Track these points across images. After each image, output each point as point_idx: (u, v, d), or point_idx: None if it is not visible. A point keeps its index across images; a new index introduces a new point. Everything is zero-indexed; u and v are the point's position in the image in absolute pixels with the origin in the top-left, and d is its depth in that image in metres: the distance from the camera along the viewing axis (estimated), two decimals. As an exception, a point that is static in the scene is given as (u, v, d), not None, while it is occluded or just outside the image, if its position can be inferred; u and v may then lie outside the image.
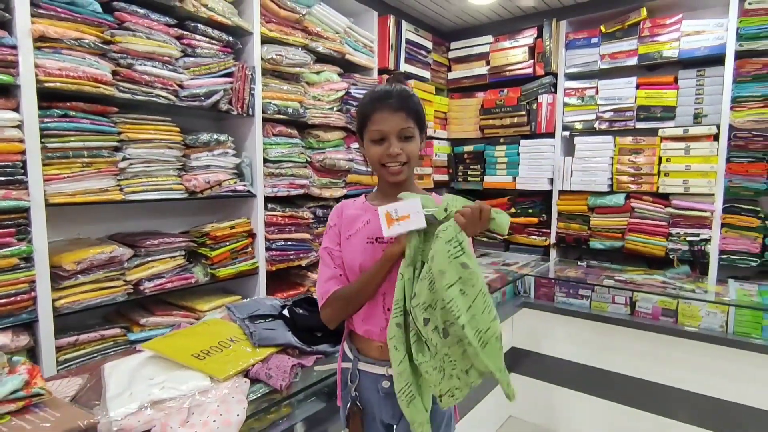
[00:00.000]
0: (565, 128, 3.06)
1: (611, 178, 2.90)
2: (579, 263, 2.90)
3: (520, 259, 3.04)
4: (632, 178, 2.81)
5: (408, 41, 3.00)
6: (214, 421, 0.91)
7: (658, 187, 2.73)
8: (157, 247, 1.87)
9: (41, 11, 1.50)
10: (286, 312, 1.37)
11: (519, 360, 2.48)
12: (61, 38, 1.53)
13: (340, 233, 1.13)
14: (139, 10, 1.74)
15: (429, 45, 3.20)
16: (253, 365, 1.12)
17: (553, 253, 3.14)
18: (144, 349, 1.17)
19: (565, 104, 3.05)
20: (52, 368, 1.57)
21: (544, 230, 3.19)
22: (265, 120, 2.23)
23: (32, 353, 1.57)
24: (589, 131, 2.98)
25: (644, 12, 2.72)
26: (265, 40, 2.20)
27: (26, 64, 1.46)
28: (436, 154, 3.38)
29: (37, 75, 1.48)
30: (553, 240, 3.13)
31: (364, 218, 1.12)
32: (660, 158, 2.71)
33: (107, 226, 1.97)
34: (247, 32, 2.12)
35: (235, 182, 2.13)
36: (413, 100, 1.08)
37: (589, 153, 2.96)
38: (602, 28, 2.86)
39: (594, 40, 2.90)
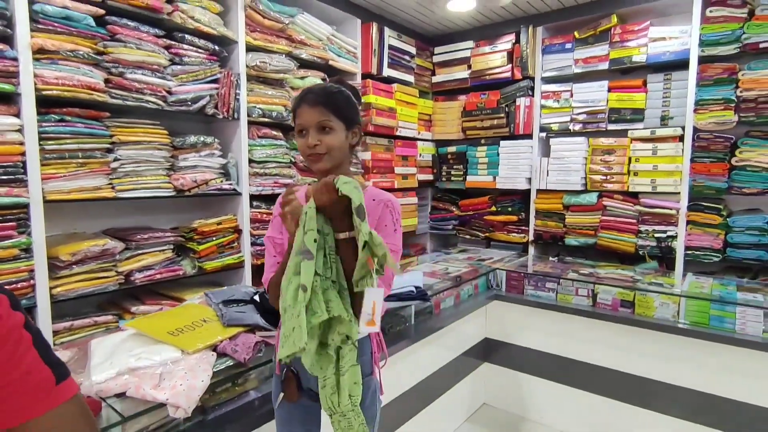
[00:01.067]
0: (542, 129, 3.19)
1: (585, 178, 3.02)
2: (551, 258, 3.03)
3: (498, 255, 3.18)
4: (604, 178, 2.94)
5: (391, 47, 3.14)
6: (181, 385, 1.05)
7: (628, 186, 2.85)
8: (147, 240, 2.02)
9: (40, 26, 1.66)
10: (257, 297, 1.51)
11: (491, 350, 2.62)
12: (58, 50, 1.69)
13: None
14: (129, 23, 1.90)
15: (413, 50, 3.34)
16: (222, 341, 1.26)
17: (531, 249, 3.27)
18: (127, 328, 1.32)
19: (542, 107, 3.18)
20: (50, 350, 1.73)
21: (523, 228, 3.32)
22: (250, 123, 2.38)
23: (31, 336, 1.73)
24: (565, 132, 3.11)
25: (615, 19, 2.85)
26: (250, 48, 2.35)
27: (26, 74, 1.62)
28: (420, 155, 3.52)
29: (36, 84, 1.65)
30: (531, 237, 3.26)
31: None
32: (630, 158, 2.84)
33: (102, 221, 2.13)
34: (233, 41, 2.27)
35: (222, 181, 2.28)
36: (335, 96, 1.13)
37: (564, 153, 3.09)
38: (576, 34, 2.99)
39: (568, 46, 3.03)
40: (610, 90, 2.91)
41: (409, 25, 3.37)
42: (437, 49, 3.55)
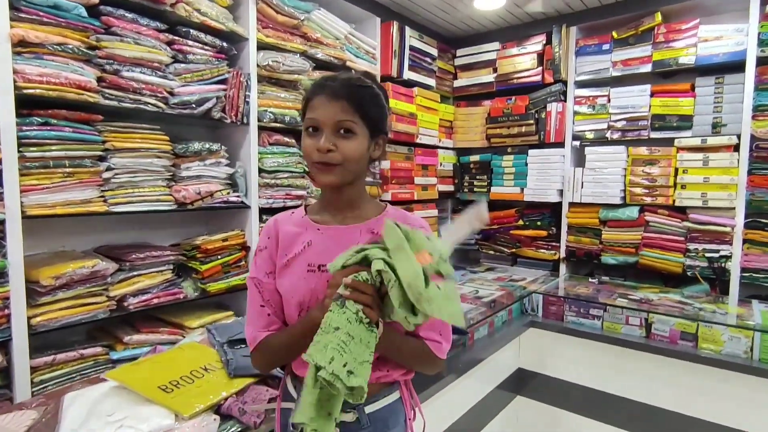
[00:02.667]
0: (575, 138, 2.94)
1: (624, 190, 2.76)
2: (590, 279, 2.76)
3: (527, 274, 2.91)
4: (646, 191, 2.67)
5: (412, 48, 2.91)
6: (174, 467, 0.80)
7: (674, 200, 2.58)
8: (143, 260, 1.78)
9: (22, 15, 1.44)
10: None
11: (525, 382, 2.35)
12: (43, 43, 1.47)
13: (275, 257, 0.94)
14: (127, 14, 1.67)
15: (434, 52, 3.11)
16: (226, 399, 1.01)
17: (563, 267, 3.01)
18: (108, 379, 1.07)
19: (576, 113, 2.93)
20: (27, 390, 1.49)
21: (554, 244, 3.05)
22: (260, 128, 2.15)
23: (6, 374, 1.49)
24: (601, 141, 2.86)
25: (659, 17, 2.60)
26: (262, 46, 2.12)
27: (4, 70, 1.39)
28: (441, 164, 3.28)
29: (15, 81, 1.42)
30: (563, 254, 3.00)
31: (305, 238, 0.93)
32: (676, 170, 2.58)
33: (94, 238, 1.90)
34: (243, 38, 2.05)
35: (228, 193, 2.04)
36: (364, 91, 0.89)
37: (600, 164, 2.83)
38: (614, 34, 2.75)
39: (605, 47, 2.79)
40: (652, 95, 2.66)
41: (430, 25, 3.14)
42: (460, 51, 3.32)
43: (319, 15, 2.34)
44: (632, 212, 2.71)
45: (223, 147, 2.04)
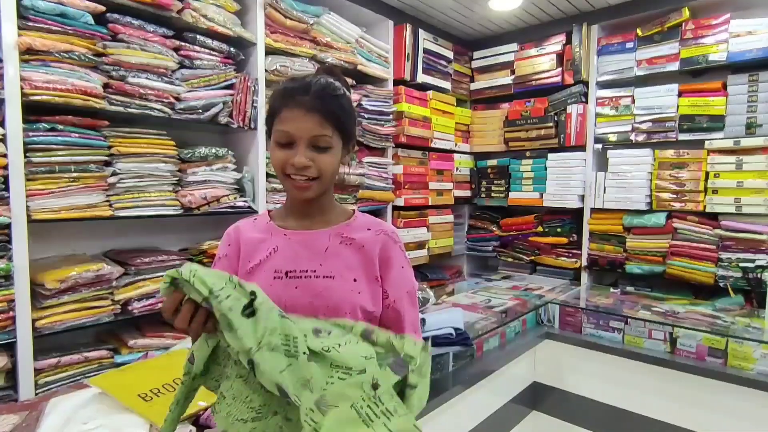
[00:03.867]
0: (597, 140, 2.82)
1: (650, 196, 2.61)
2: (613, 289, 2.62)
3: (546, 283, 2.80)
4: (674, 196, 2.52)
5: (426, 51, 2.86)
6: (140, 481, 0.78)
7: (705, 206, 2.42)
8: (149, 265, 1.79)
9: (29, 23, 1.47)
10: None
11: (541, 396, 2.23)
12: (50, 50, 1.50)
13: (236, 266, 0.90)
14: (133, 21, 1.69)
15: (450, 54, 3.05)
16: (205, 409, 0.98)
17: (584, 276, 2.87)
18: (92, 385, 1.06)
19: (598, 114, 2.80)
20: (30, 392, 1.51)
21: (575, 251, 2.92)
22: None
23: (11, 375, 1.51)
24: (625, 144, 2.72)
25: (686, 12, 2.46)
26: (270, 51, 2.12)
27: (11, 77, 1.43)
28: (457, 169, 3.20)
29: (22, 88, 1.45)
30: (584, 262, 2.86)
31: (270, 244, 0.89)
32: (707, 173, 2.42)
33: (103, 242, 1.92)
34: (251, 43, 2.05)
35: (235, 198, 2.04)
36: (337, 102, 0.86)
37: (624, 167, 2.69)
38: (638, 31, 2.62)
39: (629, 45, 2.66)
40: (680, 94, 2.52)
41: (446, 28, 3.09)
42: (477, 53, 3.24)
43: (329, 19, 2.33)
44: (659, 219, 2.56)
45: (230, 152, 2.04)
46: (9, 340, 1.46)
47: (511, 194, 3.13)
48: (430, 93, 2.91)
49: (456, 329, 1.59)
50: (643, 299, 2.33)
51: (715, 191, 2.39)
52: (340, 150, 0.89)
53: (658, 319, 1.98)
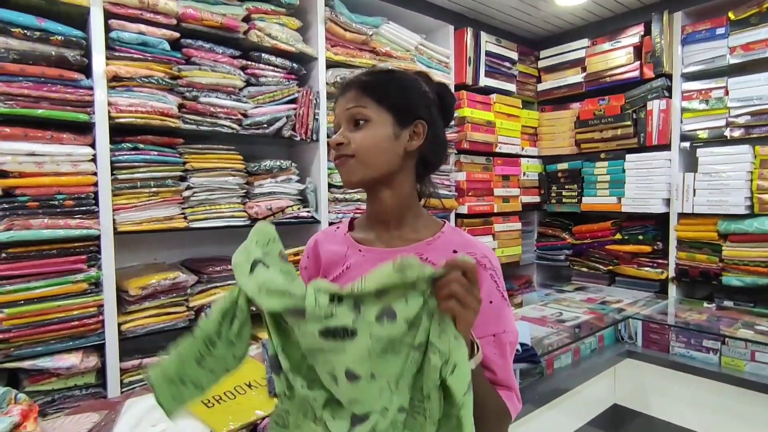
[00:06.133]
0: (684, 138, 2.55)
1: (750, 198, 2.31)
2: (707, 304, 2.34)
3: (627, 295, 2.56)
4: (781, 198, 2.21)
5: (488, 53, 2.78)
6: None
7: (821, 209, 2.10)
8: (219, 273, 1.88)
9: (116, 53, 1.62)
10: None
11: (623, 420, 2.04)
12: (133, 76, 1.64)
13: (316, 278, 0.85)
14: (204, 44, 1.81)
15: (514, 56, 2.93)
16: (263, 419, 1.00)
17: (672, 289, 2.60)
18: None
19: (684, 110, 2.54)
20: (117, 390, 1.64)
21: (660, 261, 2.65)
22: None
23: (101, 374, 1.65)
24: (718, 140, 2.44)
25: (791, -11, 2.17)
26: (331, 64, 2.16)
27: (100, 103, 1.58)
28: (525, 174, 3.06)
29: (110, 112, 1.60)
30: (672, 273, 2.59)
31: (345, 260, 0.82)
32: (822, 171, 2.10)
33: (181, 251, 2.06)
34: (312, 57, 2.11)
35: (299, 208, 2.09)
36: (382, 76, 0.80)
37: (718, 167, 2.41)
38: (731, 15, 2.34)
39: (720, 31, 2.39)
40: (786, 82, 2.21)
41: (509, 28, 2.98)
42: (543, 53, 3.09)
43: (388, 29, 2.34)
44: (762, 224, 2.25)
45: (293, 164, 2.10)
46: (99, 342, 1.60)
47: (585, 199, 2.93)
48: (493, 96, 2.82)
49: (522, 344, 1.49)
50: (744, 315, 2.05)
51: (834, 191, 2.06)
52: (388, 126, 0.78)
53: (763, 340, 1.72)
